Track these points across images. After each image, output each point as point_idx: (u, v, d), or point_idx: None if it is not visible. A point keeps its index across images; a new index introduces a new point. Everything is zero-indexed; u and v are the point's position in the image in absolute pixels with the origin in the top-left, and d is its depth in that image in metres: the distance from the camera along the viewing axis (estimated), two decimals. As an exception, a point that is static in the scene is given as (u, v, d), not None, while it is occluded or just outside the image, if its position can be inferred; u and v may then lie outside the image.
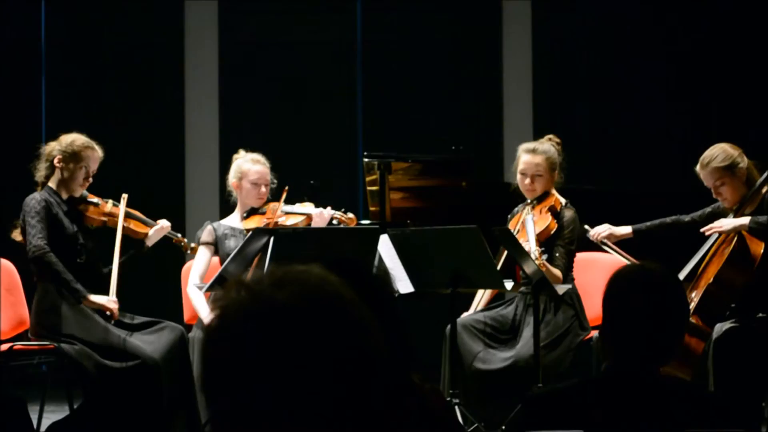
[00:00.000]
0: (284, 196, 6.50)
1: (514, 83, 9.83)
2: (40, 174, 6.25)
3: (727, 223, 6.06)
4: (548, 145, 6.44)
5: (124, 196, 6.38)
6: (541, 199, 6.42)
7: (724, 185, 6.09)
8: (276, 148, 6.74)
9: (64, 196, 6.23)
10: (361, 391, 1.46)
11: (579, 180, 7.93)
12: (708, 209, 6.31)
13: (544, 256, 6.12)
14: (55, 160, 6.19)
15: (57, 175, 6.22)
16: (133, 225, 6.38)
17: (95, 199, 6.33)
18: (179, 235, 6.51)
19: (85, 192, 6.31)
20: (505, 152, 9.40)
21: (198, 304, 6.35)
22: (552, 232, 6.31)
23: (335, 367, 1.44)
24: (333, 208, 6.56)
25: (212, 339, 1.48)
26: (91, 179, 6.26)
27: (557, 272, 6.23)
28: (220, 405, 1.46)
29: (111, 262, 6.22)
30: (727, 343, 5.82)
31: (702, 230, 6.13)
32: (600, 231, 6.42)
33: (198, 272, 6.45)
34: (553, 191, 6.46)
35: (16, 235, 6.22)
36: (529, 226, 6.12)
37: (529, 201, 6.43)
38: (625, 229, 6.42)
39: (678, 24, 9.76)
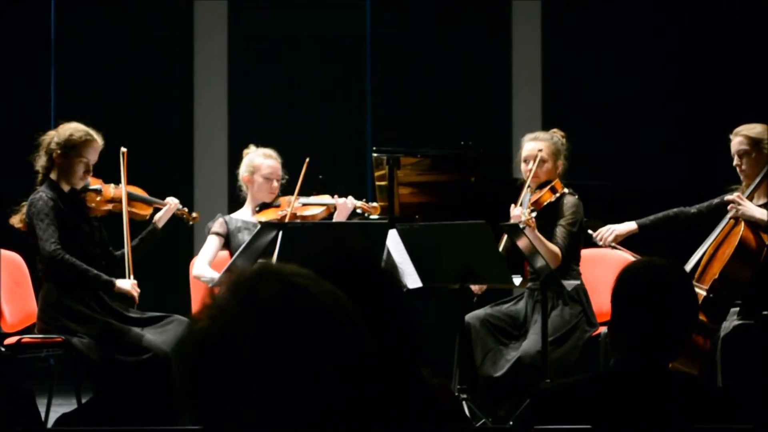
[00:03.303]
0: (305, 169, 6.47)
1: (524, 79, 9.82)
2: (40, 164, 6.20)
3: (749, 206, 6.07)
4: (552, 134, 6.48)
5: (123, 150, 6.30)
6: (543, 187, 6.42)
7: (747, 155, 6.15)
8: (285, 142, 6.73)
9: (66, 188, 6.18)
10: (350, 391, 1.44)
11: (587, 176, 7.93)
12: (716, 200, 6.32)
13: (533, 214, 6.14)
14: (54, 155, 6.13)
15: (57, 168, 6.17)
16: (137, 208, 6.33)
17: (97, 186, 6.27)
18: (183, 207, 6.47)
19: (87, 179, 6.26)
20: (514, 148, 9.35)
21: (209, 276, 6.35)
22: (546, 203, 6.32)
23: (323, 368, 1.43)
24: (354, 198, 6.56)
25: (200, 345, 1.46)
26: (91, 171, 6.21)
27: (554, 248, 6.23)
28: (208, 410, 1.45)
29: (122, 246, 6.22)
30: (735, 338, 5.81)
31: (727, 198, 6.15)
32: (605, 235, 6.41)
33: (206, 259, 6.43)
34: (557, 180, 6.46)
35: (15, 221, 6.19)
36: (525, 197, 6.17)
37: (529, 185, 6.40)
38: (630, 226, 6.42)
39: (686, 21, 9.74)
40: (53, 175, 6.16)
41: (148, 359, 5.96)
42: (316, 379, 1.42)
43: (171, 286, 7.56)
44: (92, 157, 6.17)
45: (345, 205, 6.48)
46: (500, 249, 6.13)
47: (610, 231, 6.41)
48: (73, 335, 5.99)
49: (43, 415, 5.96)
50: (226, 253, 6.53)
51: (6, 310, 6.30)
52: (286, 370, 1.41)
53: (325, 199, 6.57)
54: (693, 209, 6.40)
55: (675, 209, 6.44)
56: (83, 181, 6.19)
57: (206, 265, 6.41)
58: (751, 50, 9.58)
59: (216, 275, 6.34)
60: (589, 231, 6.45)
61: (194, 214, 6.46)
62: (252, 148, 6.67)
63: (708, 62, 9.68)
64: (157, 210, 6.41)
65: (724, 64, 9.65)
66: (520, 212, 6.10)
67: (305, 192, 6.68)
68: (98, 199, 6.25)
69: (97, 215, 6.29)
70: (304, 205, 6.55)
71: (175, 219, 6.45)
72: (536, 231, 6.14)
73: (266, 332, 1.42)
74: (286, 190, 6.66)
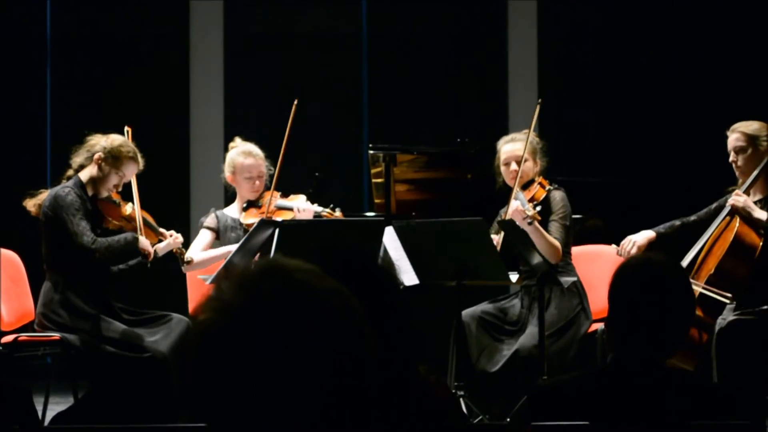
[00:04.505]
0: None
1: (519, 76, 9.82)
2: (76, 161, 6.21)
3: (747, 202, 6.06)
4: (527, 134, 6.46)
5: (128, 129, 6.33)
6: (527, 186, 6.41)
7: (744, 152, 6.16)
8: (281, 139, 6.72)
9: (90, 192, 6.19)
10: (351, 387, 1.45)
11: (583, 173, 7.94)
12: (713, 205, 6.32)
13: (538, 208, 6.14)
14: (95, 156, 6.15)
15: (91, 171, 6.17)
16: (145, 234, 6.31)
17: (116, 199, 6.29)
18: (182, 248, 6.48)
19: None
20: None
21: (203, 257, 6.39)
22: (541, 198, 6.32)
23: (324, 365, 1.43)
24: (332, 202, 6.55)
25: (207, 340, 1.46)
26: (120, 188, 6.23)
27: (555, 241, 6.24)
28: (210, 404, 1.45)
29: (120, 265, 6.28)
30: (731, 334, 5.82)
31: (729, 201, 6.14)
32: (627, 248, 6.32)
33: (198, 248, 6.47)
34: (540, 177, 6.46)
35: (29, 205, 6.20)
36: (519, 195, 6.17)
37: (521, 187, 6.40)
38: (648, 234, 6.35)
39: (682, 19, 9.75)
40: (83, 176, 6.16)
41: (146, 359, 5.97)
42: (316, 375, 1.42)
43: (168, 285, 7.56)
44: (129, 175, 6.20)
45: (304, 213, 6.45)
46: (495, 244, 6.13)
47: (631, 244, 6.32)
48: (71, 331, 6.00)
49: (40, 413, 5.96)
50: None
51: (3, 309, 6.30)
52: (287, 366, 1.42)
53: (295, 202, 6.55)
54: (693, 218, 6.37)
55: (677, 220, 6.38)
56: (109, 192, 6.21)
57: (198, 251, 6.46)
58: (750, 46, 9.59)
59: (209, 255, 6.37)
60: (613, 246, 6.39)
61: (188, 258, 6.45)
62: (237, 141, 6.68)
63: (707, 59, 9.69)
64: (160, 240, 6.41)
65: (724, 60, 9.65)
66: (519, 206, 6.07)
67: (301, 188, 6.68)
68: (114, 212, 6.26)
69: (108, 227, 6.30)
70: (279, 209, 6.55)
71: (170, 253, 6.43)
72: (541, 229, 6.16)
73: (268, 327, 1.43)
74: (279, 185, 6.65)
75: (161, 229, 6.38)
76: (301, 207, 6.47)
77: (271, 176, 6.62)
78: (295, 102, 6.50)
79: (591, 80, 9.81)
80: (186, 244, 6.53)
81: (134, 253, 6.20)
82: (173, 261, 6.55)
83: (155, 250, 6.31)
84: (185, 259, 6.41)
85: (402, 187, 7.24)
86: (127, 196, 6.33)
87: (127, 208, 6.28)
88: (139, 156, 6.22)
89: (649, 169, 9.51)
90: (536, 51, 9.85)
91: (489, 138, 8.81)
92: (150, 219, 6.40)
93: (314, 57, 9.82)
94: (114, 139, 6.19)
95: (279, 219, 6.38)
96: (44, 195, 6.18)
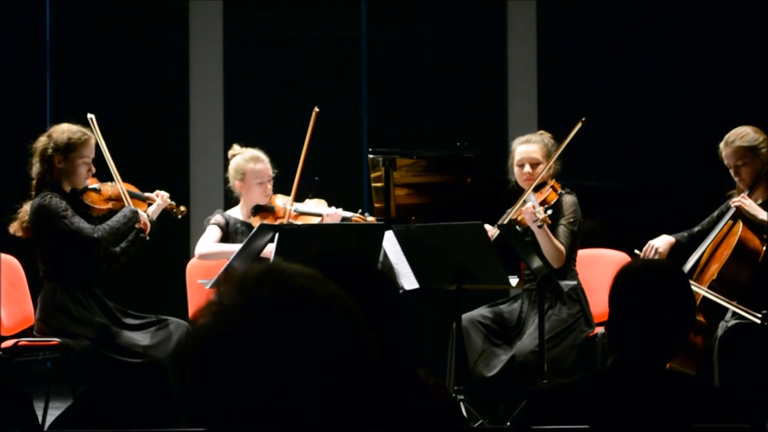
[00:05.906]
0: (313, 121, 6.44)
1: (519, 79, 9.82)
2: (36, 171, 6.18)
3: (752, 204, 6.04)
4: (542, 136, 6.49)
5: (91, 116, 6.28)
6: (539, 188, 6.42)
7: (745, 165, 6.10)
8: (280, 144, 6.72)
9: (68, 189, 6.18)
10: (350, 392, 1.45)
11: (582, 176, 7.94)
12: (715, 213, 6.29)
13: (549, 212, 6.14)
14: (55, 161, 6.10)
15: (58, 171, 6.15)
16: (134, 204, 6.33)
17: (95, 185, 6.28)
18: (172, 201, 6.48)
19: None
20: (510, 149, 9.39)
21: (216, 249, 6.37)
22: (553, 202, 6.33)
23: (323, 369, 1.43)
24: (344, 207, 6.56)
25: (205, 346, 1.46)
26: (93, 168, 6.21)
27: (561, 246, 6.24)
28: (208, 407, 1.45)
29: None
30: (732, 339, 5.81)
31: (731, 202, 6.10)
32: (648, 255, 6.21)
33: (207, 242, 6.44)
34: (553, 180, 6.46)
35: (14, 229, 6.19)
36: (531, 197, 6.18)
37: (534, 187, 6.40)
38: (669, 240, 6.27)
39: (681, 22, 9.75)
40: (53, 179, 6.14)
41: (145, 363, 5.96)
42: (316, 380, 1.42)
43: (167, 288, 7.56)
44: (91, 154, 6.18)
45: (333, 217, 6.47)
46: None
47: (653, 250, 6.24)
48: (71, 336, 6.00)
49: (40, 418, 5.96)
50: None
51: (3, 314, 6.30)
52: (287, 370, 1.42)
53: (319, 208, 6.56)
54: (697, 228, 6.32)
55: (684, 232, 6.33)
56: (86, 181, 6.20)
57: (206, 249, 6.42)
58: (750, 46, 9.59)
59: (223, 248, 6.36)
60: (636, 251, 6.33)
61: (182, 208, 6.47)
62: (236, 148, 6.66)
63: (707, 59, 9.69)
64: (149, 206, 6.43)
65: (724, 61, 9.65)
66: (531, 207, 6.07)
67: (301, 191, 6.68)
68: (99, 198, 6.26)
69: (98, 215, 6.29)
70: (300, 214, 6.54)
71: (164, 214, 6.44)
72: (549, 233, 6.17)
73: (268, 332, 1.43)
74: (280, 188, 6.64)
75: (146, 194, 6.39)
76: (330, 212, 6.46)
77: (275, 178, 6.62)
78: (315, 110, 6.48)
79: (591, 83, 9.81)
80: (186, 245, 6.53)
81: (132, 228, 6.19)
82: (174, 263, 6.55)
83: (149, 217, 6.30)
84: (180, 210, 6.41)
85: (402, 191, 7.23)
86: (105, 176, 6.32)
87: (108, 188, 6.28)
88: (88, 132, 6.18)
89: (650, 172, 9.51)
90: (536, 54, 9.84)
91: (488, 142, 8.82)
92: (134, 189, 6.40)
93: (313, 61, 9.82)
94: (59, 133, 6.14)
95: (299, 222, 6.39)
96: (25, 211, 6.15)
